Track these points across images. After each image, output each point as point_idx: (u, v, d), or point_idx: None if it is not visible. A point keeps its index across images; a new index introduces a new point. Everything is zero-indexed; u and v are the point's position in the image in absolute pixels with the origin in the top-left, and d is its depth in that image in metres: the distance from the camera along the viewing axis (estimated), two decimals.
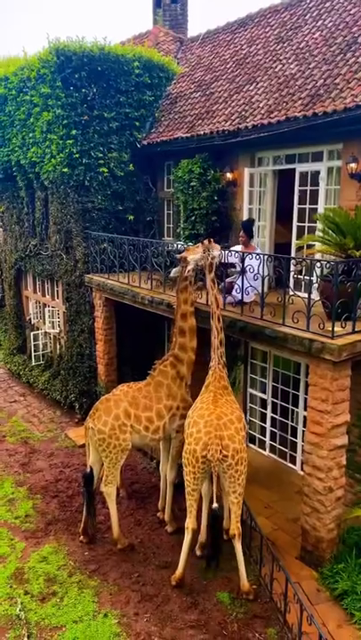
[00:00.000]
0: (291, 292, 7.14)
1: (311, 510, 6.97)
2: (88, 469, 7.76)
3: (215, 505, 6.34)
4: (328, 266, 6.84)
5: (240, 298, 8.02)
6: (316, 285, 7.11)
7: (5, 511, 8.68)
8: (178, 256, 7.91)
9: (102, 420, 7.42)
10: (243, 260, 7.67)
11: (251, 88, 10.20)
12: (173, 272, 8.06)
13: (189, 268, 7.65)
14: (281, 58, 10.16)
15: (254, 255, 7.67)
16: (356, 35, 8.86)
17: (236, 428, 6.55)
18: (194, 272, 7.71)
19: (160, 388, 7.81)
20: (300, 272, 9.02)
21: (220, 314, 7.31)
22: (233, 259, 8.18)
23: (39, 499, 9.07)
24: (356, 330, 6.65)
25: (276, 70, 9.96)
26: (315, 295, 6.98)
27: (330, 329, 6.48)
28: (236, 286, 8.15)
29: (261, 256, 7.58)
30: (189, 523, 6.73)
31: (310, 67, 9.16)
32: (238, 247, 8.70)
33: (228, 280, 8.16)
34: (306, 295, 6.82)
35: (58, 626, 6.29)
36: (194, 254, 7.62)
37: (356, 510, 7.13)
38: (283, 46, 10.44)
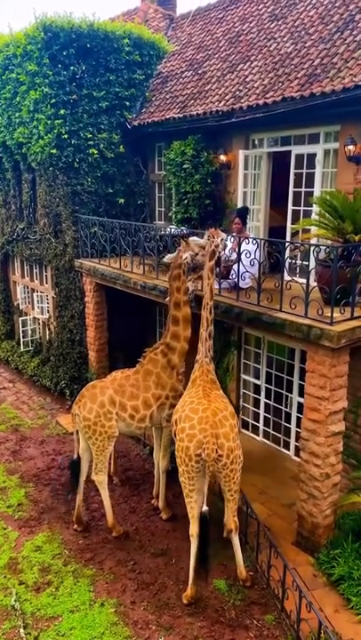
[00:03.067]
0: (289, 278, 7.01)
1: (308, 496, 6.95)
2: (75, 456, 7.67)
3: (205, 508, 6.04)
4: (327, 250, 6.73)
5: (235, 283, 7.89)
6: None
7: None
8: (189, 239, 7.68)
9: (87, 407, 7.32)
10: (239, 245, 7.52)
11: (245, 67, 9.95)
12: (167, 258, 7.87)
13: (185, 255, 7.48)
14: (276, 36, 9.91)
15: (251, 240, 7.53)
16: (353, 12, 8.63)
17: (231, 425, 6.27)
18: (192, 261, 7.52)
19: (149, 376, 7.63)
20: (294, 257, 8.90)
21: (212, 305, 7.05)
22: (229, 243, 8.02)
23: (31, 487, 8.96)
24: (354, 316, 6.57)
25: (271, 49, 9.71)
26: (312, 281, 6.87)
27: (328, 315, 6.39)
28: (232, 272, 8.00)
29: (258, 241, 7.44)
30: (193, 529, 6.29)
31: (306, 45, 8.94)
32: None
33: (223, 265, 8.00)
34: (304, 281, 6.71)
35: (54, 616, 6.23)
36: (197, 241, 7.45)
37: (352, 496, 7.12)
38: (277, 24, 10.18)
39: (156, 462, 8.30)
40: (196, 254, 7.55)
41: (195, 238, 7.52)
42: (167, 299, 7.86)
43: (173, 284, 7.57)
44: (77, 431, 7.63)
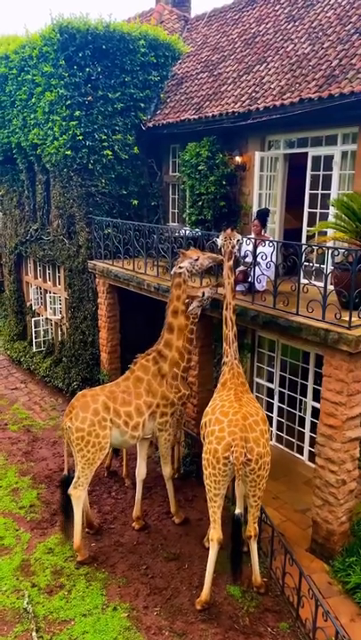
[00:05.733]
0: (305, 281, 6.93)
1: (323, 503, 6.86)
2: (65, 472, 7.45)
3: (238, 511, 5.96)
4: (346, 253, 6.64)
5: (250, 286, 7.82)
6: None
7: (10, 501, 8.55)
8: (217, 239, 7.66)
9: (80, 416, 7.03)
10: (255, 247, 7.45)
11: (261, 68, 9.88)
12: (173, 270, 7.88)
13: (183, 264, 7.45)
14: (293, 37, 9.83)
15: (267, 242, 7.46)
16: None
17: (262, 431, 6.12)
18: (192, 268, 7.52)
19: (139, 383, 7.48)
20: (308, 260, 8.82)
21: (235, 305, 6.99)
22: (245, 246, 7.96)
23: (43, 488, 8.94)
24: None
25: (288, 50, 9.63)
26: (328, 284, 6.77)
27: (346, 319, 6.29)
28: (249, 276, 7.93)
29: (275, 243, 7.36)
30: (214, 534, 6.16)
31: (324, 46, 8.85)
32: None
33: (239, 269, 7.93)
34: (319, 284, 6.62)
35: (66, 619, 6.18)
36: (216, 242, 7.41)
37: None
38: (294, 25, 10.10)
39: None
40: (196, 260, 7.54)
41: (217, 240, 7.45)
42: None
43: (174, 291, 7.57)
44: (67, 444, 7.31)
